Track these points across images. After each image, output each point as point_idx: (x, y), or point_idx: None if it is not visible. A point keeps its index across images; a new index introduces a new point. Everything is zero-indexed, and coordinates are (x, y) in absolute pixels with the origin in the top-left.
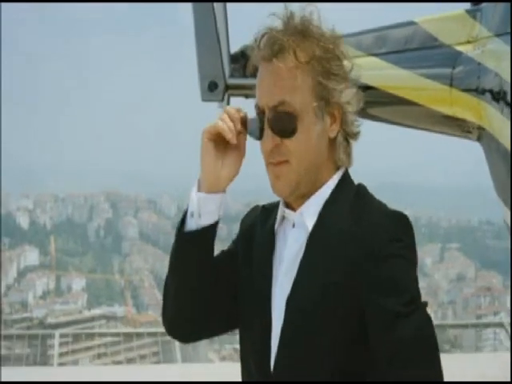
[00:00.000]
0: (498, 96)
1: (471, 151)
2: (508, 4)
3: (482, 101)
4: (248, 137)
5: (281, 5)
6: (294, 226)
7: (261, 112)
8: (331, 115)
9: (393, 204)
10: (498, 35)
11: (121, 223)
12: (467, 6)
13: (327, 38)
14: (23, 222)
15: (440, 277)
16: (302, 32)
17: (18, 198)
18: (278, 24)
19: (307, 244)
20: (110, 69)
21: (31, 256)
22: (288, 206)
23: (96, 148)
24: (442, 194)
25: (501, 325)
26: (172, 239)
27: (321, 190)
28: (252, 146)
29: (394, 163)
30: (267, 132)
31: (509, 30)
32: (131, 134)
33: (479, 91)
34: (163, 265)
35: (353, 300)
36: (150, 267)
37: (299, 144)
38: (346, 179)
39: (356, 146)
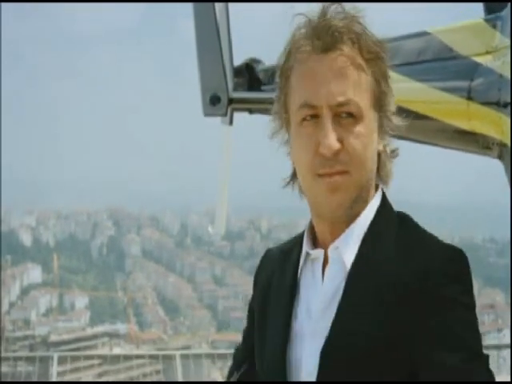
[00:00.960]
0: None
1: (473, 167)
2: None
3: (503, 115)
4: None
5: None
6: (325, 262)
7: (315, 112)
8: (380, 125)
9: None
10: None
11: (124, 240)
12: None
13: (376, 38)
14: (26, 239)
15: None
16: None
17: (21, 215)
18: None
19: (347, 284)
20: (112, 82)
21: (34, 273)
22: (315, 238)
23: (99, 164)
24: (444, 211)
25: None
26: (175, 256)
27: (360, 217)
28: (256, 162)
29: (396, 181)
30: (329, 135)
31: None
32: (134, 151)
33: (501, 104)
34: (166, 282)
35: (403, 352)
36: (152, 284)
37: (362, 152)
38: (385, 205)
39: None
